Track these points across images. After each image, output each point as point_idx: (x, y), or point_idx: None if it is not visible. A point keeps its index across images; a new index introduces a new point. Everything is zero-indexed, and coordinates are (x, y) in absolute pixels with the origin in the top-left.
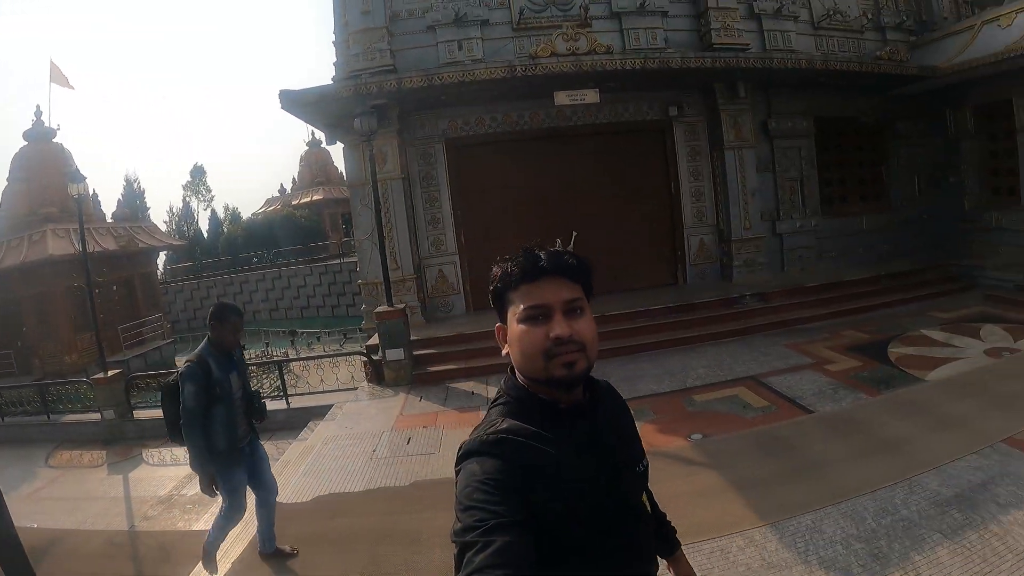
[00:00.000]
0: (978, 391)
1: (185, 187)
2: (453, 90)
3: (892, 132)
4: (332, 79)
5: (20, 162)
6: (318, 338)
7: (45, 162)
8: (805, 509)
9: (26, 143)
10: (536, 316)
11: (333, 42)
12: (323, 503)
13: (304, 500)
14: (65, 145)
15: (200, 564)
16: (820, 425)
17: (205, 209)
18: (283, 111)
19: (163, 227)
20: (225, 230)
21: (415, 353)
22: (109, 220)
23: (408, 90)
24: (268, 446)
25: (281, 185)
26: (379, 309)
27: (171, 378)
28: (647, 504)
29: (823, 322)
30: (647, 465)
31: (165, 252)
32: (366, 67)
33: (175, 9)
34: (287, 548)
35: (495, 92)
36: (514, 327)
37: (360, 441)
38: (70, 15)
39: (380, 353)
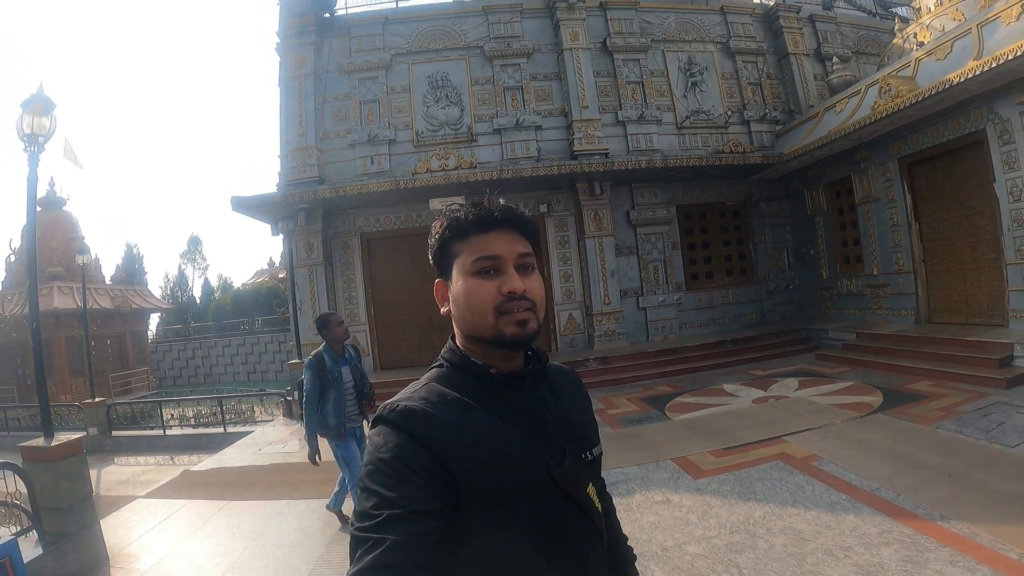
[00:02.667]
0: (698, 428)
1: (182, 256)
2: (358, 198)
3: (756, 212)
4: (276, 186)
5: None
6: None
7: (55, 228)
8: None
9: (39, 209)
10: (488, 269)
11: (278, 155)
12: (220, 472)
13: (206, 469)
14: (73, 213)
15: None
16: None
17: (200, 277)
18: (234, 212)
19: (159, 292)
20: (216, 297)
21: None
22: (107, 282)
23: (324, 199)
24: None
25: (270, 258)
26: (291, 361)
27: (300, 378)
28: (596, 502)
29: (648, 380)
30: (600, 454)
31: (157, 314)
32: (299, 177)
33: (178, 95)
34: (347, 515)
35: (393, 198)
36: (460, 281)
37: (254, 445)
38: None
39: (292, 394)
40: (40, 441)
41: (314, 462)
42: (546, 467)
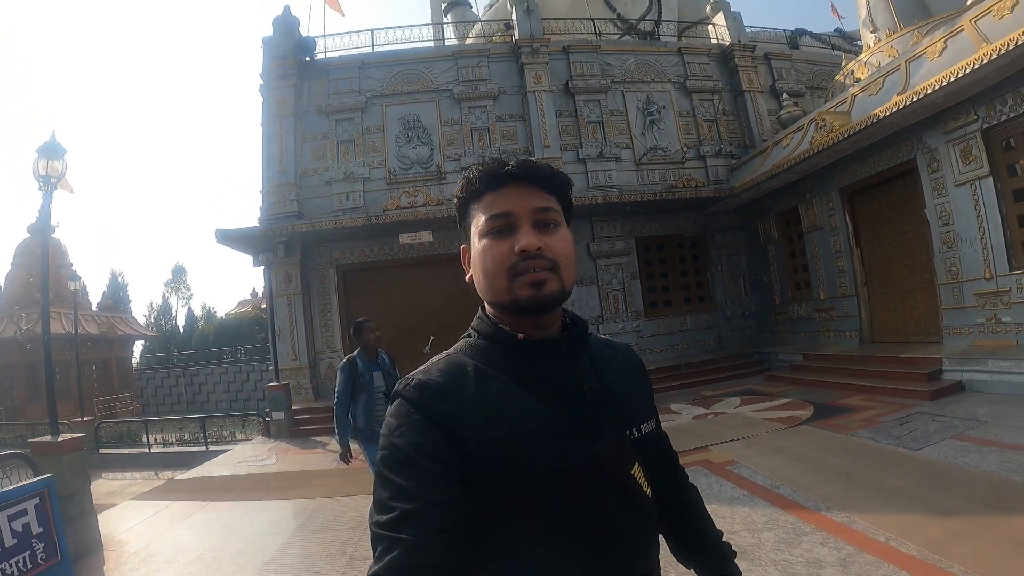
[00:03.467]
0: None
1: (166, 284)
2: (333, 233)
3: (712, 242)
4: (258, 220)
5: (22, 252)
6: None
7: (46, 257)
8: None
9: (29, 235)
10: (501, 228)
11: (260, 191)
12: (202, 480)
13: (193, 477)
14: (61, 240)
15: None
16: None
17: (184, 306)
18: (219, 244)
19: (143, 320)
20: (199, 327)
21: (297, 417)
22: (94, 309)
23: (301, 233)
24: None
25: (253, 288)
26: (269, 384)
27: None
28: (645, 486)
29: None
30: (652, 432)
31: (142, 342)
32: (280, 212)
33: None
34: None
35: (366, 233)
36: (476, 243)
37: (234, 459)
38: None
39: (269, 415)
40: (48, 438)
41: (346, 461)
42: (578, 446)
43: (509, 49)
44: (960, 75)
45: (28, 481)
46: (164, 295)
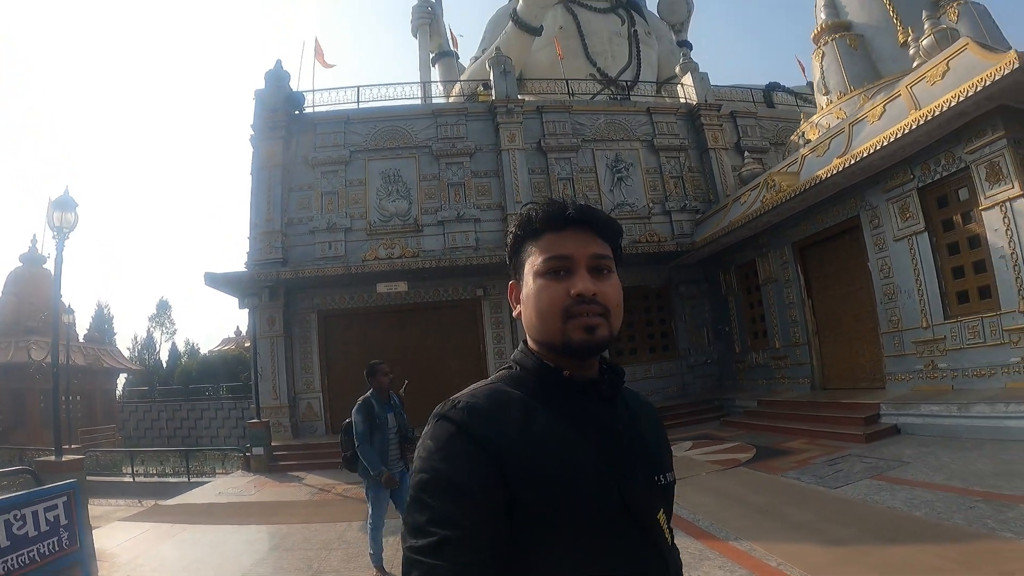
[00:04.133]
0: None
1: (150, 319)
2: (315, 280)
3: (677, 293)
4: (245, 264)
5: (13, 280)
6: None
7: (35, 283)
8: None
9: (20, 264)
10: (558, 269)
11: (247, 237)
12: (185, 506)
13: (176, 503)
14: (52, 271)
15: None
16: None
17: (167, 341)
18: (207, 286)
19: (127, 353)
20: (183, 362)
21: (276, 453)
22: (81, 340)
23: (285, 279)
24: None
25: (237, 327)
26: (251, 421)
27: (345, 421)
28: (667, 532)
29: None
30: (673, 481)
31: (125, 375)
32: (265, 258)
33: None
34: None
35: (346, 281)
36: (530, 282)
37: (215, 490)
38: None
39: (250, 450)
40: (52, 457)
41: (391, 485)
42: (616, 485)
43: (486, 108)
44: (893, 139)
45: (60, 483)
46: (149, 329)
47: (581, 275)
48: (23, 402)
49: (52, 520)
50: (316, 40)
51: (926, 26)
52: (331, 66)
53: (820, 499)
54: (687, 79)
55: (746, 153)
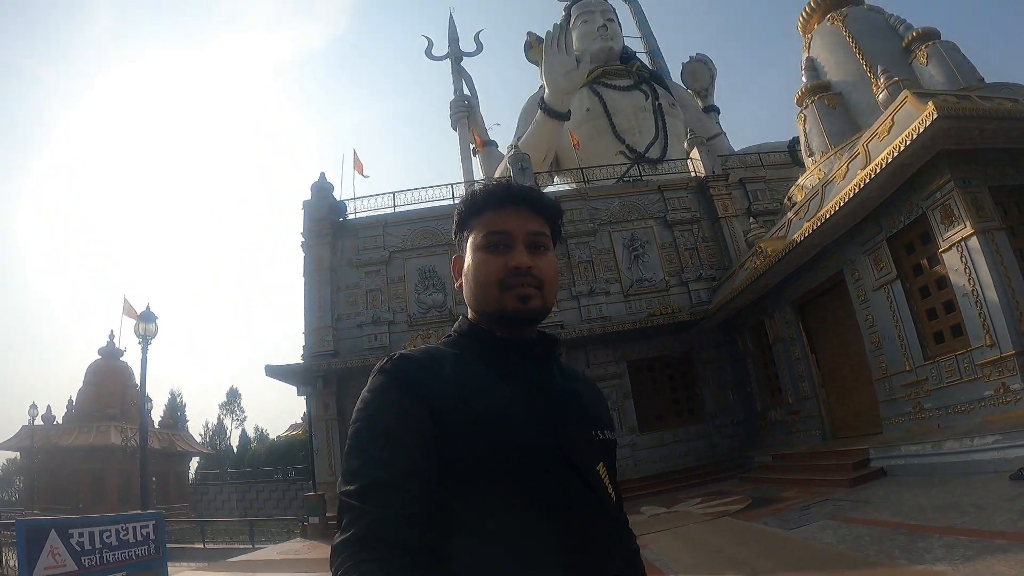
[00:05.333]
0: None
1: (221, 407)
2: (362, 369)
3: (699, 359)
4: (301, 356)
5: (93, 371)
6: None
7: (113, 374)
8: None
9: (99, 357)
10: (497, 244)
11: (303, 332)
12: (246, 562)
13: (240, 560)
14: (128, 363)
15: None
16: None
17: (237, 427)
18: (267, 376)
19: (199, 438)
20: (252, 447)
21: (331, 522)
22: (156, 425)
23: (336, 369)
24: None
25: (303, 413)
26: (307, 494)
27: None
28: (608, 485)
29: None
30: (614, 440)
31: (197, 458)
32: (319, 351)
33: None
34: None
35: None
36: (471, 255)
37: (274, 551)
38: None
39: (307, 520)
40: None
41: None
42: (549, 430)
43: None
44: (849, 198)
45: (151, 511)
46: (219, 416)
47: (519, 250)
48: (102, 481)
49: (144, 535)
50: (355, 152)
51: (881, 80)
52: (367, 176)
53: (769, 539)
54: (694, 153)
55: (751, 219)
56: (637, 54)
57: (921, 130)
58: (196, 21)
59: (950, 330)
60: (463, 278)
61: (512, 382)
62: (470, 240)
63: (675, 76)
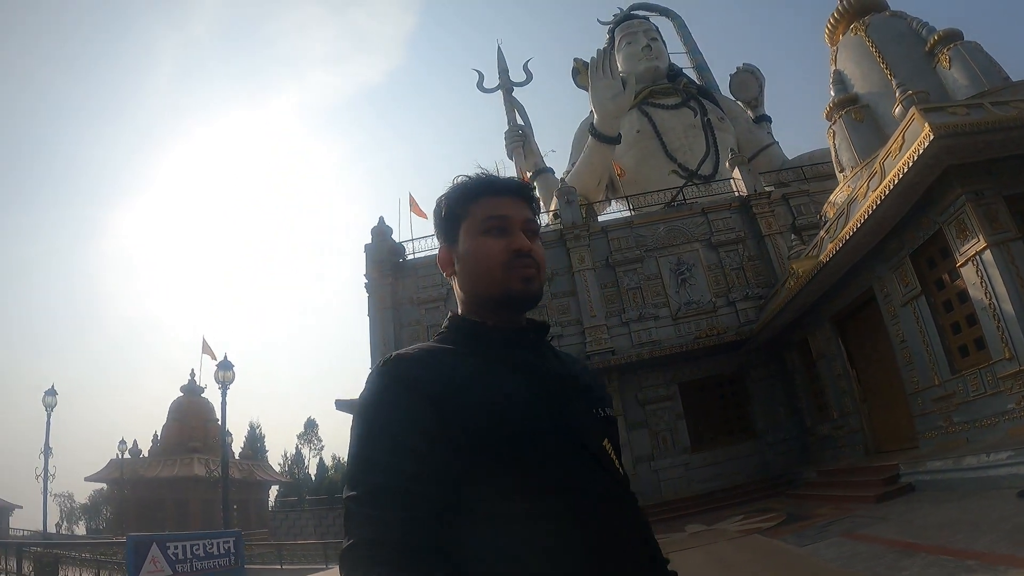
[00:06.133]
0: None
1: (299, 437)
2: None
3: (749, 377)
4: None
5: (176, 407)
6: None
7: (195, 410)
8: None
9: (181, 395)
10: (497, 228)
11: (370, 367)
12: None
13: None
14: (208, 399)
15: None
16: None
17: (315, 456)
18: (337, 411)
19: (277, 468)
20: (330, 475)
21: None
22: (236, 457)
23: None
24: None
25: None
26: None
27: None
28: (615, 459)
29: None
30: (614, 418)
31: (276, 487)
32: None
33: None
34: None
35: None
36: (469, 240)
37: None
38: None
39: None
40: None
41: None
42: (553, 412)
43: (557, 236)
44: (865, 218)
45: (231, 529)
46: (297, 446)
47: (519, 234)
48: (187, 510)
49: (226, 548)
50: (410, 195)
51: (896, 94)
52: (425, 216)
53: (780, 555)
54: (736, 173)
55: (792, 236)
56: (684, 70)
57: (920, 152)
58: (255, 62)
59: (973, 343)
60: (458, 266)
61: (510, 369)
62: (464, 227)
63: (724, 89)
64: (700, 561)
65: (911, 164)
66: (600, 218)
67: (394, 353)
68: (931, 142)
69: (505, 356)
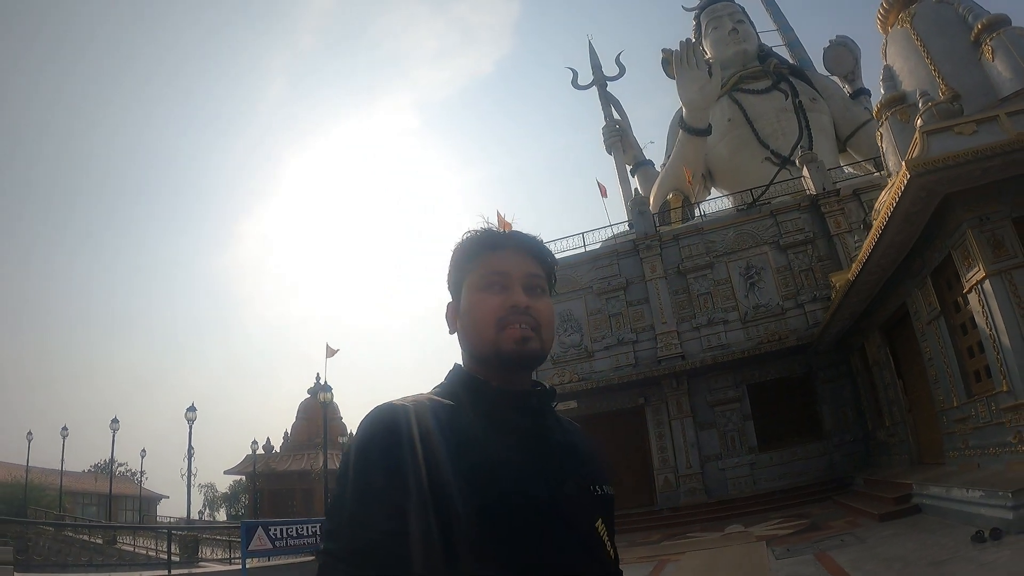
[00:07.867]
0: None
1: None
2: None
3: (818, 378)
4: None
5: (304, 408)
6: None
7: (319, 409)
8: None
9: (308, 396)
10: (495, 284)
11: None
12: None
13: None
14: (333, 398)
15: None
16: None
17: None
18: None
19: None
20: None
21: None
22: None
23: None
24: None
25: None
26: None
27: None
28: (607, 542)
29: (690, 524)
30: (610, 496)
31: None
32: None
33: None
34: None
35: None
36: (469, 296)
37: None
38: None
39: None
40: None
41: None
42: (545, 486)
43: (632, 247)
44: (875, 241)
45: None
46: None
47: (516, 289)
48: (312, 498)
49: (314, 531)
50: (498, 213)
51: (920, 104)
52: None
53: (751, 568)
54: (804, 171)
55: (855, 237)
56: (775, 48)
57: (903, 189)
58: (362, 67)
59: (984, 370)
60: (459, 322)
61: (508, 434)
62: (466, 283)
63: (817, 65)
64: (695, 564)
65: (898, 198)
66: (695, 212)
67: (387, 403)
68: (909, 180)
69: (505, 419)
